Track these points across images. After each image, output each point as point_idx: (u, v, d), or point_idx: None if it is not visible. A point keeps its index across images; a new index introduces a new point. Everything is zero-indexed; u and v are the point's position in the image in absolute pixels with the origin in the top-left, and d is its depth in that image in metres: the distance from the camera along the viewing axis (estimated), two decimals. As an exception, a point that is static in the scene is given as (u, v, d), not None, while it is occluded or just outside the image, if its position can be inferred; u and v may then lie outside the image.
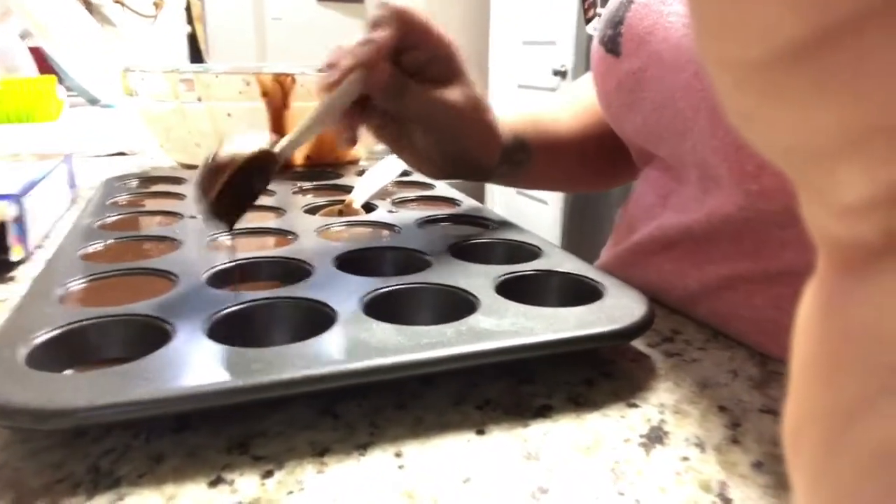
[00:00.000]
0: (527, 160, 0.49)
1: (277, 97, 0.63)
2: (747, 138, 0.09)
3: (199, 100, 0.63)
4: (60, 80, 1.23)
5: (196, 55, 2.76)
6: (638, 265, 0.43)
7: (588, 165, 0.54)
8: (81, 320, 0.29)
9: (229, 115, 0.64)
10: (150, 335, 0.29)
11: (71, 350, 0.28)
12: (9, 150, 0.74)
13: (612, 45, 0.41)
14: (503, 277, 0.35)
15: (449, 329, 0.29)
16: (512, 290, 0.34)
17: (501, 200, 3.28)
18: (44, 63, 1.23)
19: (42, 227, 0.49)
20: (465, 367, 0.28)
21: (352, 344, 0.27)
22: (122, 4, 2.47)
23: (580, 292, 0.35)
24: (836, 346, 0.09)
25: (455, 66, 0.43)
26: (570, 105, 0.54)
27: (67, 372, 0.27)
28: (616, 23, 0.41)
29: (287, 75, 0.64)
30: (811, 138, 0.08)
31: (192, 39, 2.74)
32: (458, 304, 0.33)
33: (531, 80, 2.83)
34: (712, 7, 0.08)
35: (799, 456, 0.09)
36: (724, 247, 0.37)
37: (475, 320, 0.30)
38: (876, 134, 0.07)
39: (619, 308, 0.32)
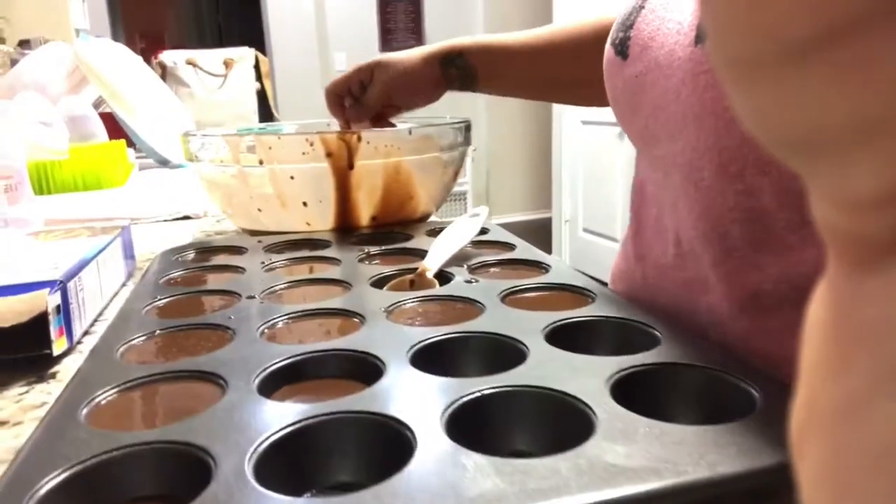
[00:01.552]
0: (475, 78, 0.66)
1: (342, 157, 0.59)
2: (757, 136, 0.09)
3: (261, 163, 0.60)
4: (131, 144, 1.25)
5: (265, 111, 2.83)
6: (650, 295, 0.45)
7: (540, 73, 0.66)
8: (99, 455, 0.24)
9: (292, 177, 0.60)
10: (186, 468, 0.24)
11: (91, 492, 0.23)
12: (73, 218, 0.73)
13: (622, 48, 0.43)
14: (620, 376, 0.28)
15: (563, 464, 0.22)
16: (632, 393, 0.27)
17: (567, 243, 3.18)
18: (115, 128, 1.25)
19: (92, 310, 0.45)
20: (590, 524, 0.20)
21: (439, 492, 0.21)
22: (195, 66, 2.57)
23: (721, 394, 0.27)
24: (846, 343, 0.09)
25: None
26: (529, 32, 0.66)
27: (80, 531, 0.22)
28: (627, 27, 0.43)
29: (353, 133, 0.59)
30: (823, 134, 0.08)
31: (262, 96, 2.81)
32: (569, 419, 0.26)
33: (594, 115, 2.77)
34: (723, 5, 0.08)
35: (805, 452, 0.09)
36: (715, 270, 0.38)
37: (596, 449, 0.23)
38: (888, 129, 0.07)
39: (779, 421, 0.24)
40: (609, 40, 0.46)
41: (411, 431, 0.24)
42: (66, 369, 0.38)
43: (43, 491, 0.22)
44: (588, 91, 0.63)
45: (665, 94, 0.39)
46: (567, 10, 2.92)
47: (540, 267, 0.47)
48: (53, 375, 0.38)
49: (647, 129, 0.42)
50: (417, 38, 3.63)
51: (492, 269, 0.48)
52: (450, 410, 0.26)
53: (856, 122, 0.07)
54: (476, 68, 0.66)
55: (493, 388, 0.28)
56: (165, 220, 0.84)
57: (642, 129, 0.43)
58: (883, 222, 0.08)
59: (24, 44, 2.11)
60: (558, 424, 0.26)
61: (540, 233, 3.51)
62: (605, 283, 0.44)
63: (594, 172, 2.90)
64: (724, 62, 0.08)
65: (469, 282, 0.44)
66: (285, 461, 0.25)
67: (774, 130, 0.08)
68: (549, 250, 3.32)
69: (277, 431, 0.25)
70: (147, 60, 1.83)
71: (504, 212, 4.11)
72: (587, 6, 2.67)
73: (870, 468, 0.08)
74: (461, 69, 0.66)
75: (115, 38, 3.40)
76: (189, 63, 2.52)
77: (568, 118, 3.07)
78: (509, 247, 0.53)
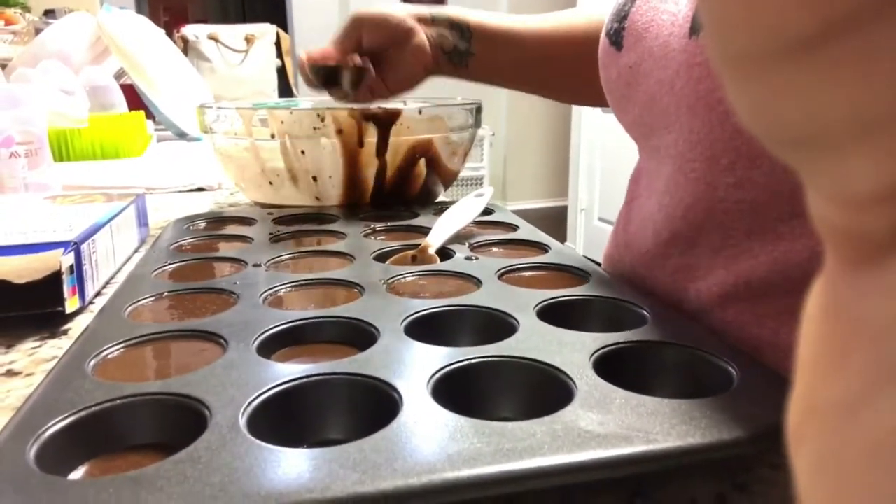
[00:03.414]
0: (467, 31, 0.61)
1: (353, 134, 0.59)
2: (754, 132, 0.09)
3: (273, 137, 0.61)
4: (150, 116, 1.26)
5: (285, 88, 2.84)
6: (640, 280, 0.45)
7: (534, 57, 0.62)
8: (102, 402, 0.25)
9: (303, 152, 0.61)
10: (183, 419, 0.25)
11: (91, 437, 0.24)
12: (89, 186, 0.75)
13: (616, 38, 0.44)
14: (604, 351, 0.29)
15: (539, 428, 0.23)
16: (616, 367, 0.28)
17: (582, 232, 3.18)
18: (135, 99, 1.27)
19: (105, 272, 0.47)
20: (560, 484, 0.21)
21: (418, 447, 0.22)
22: (217, 41, 2.58)
23: (702, 373, 0.28)
24: (844, 339, 0.09)
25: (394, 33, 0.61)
26: (538, 18, 0.62)
27: (81, 469, 0.23)
28: (622, 17, 0.43)
29: (364, 109, 0.60)
30: (821, 130, 0.08)
31: (282, 73, 2.82)
32: (551, 388, 0.27)
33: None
34: (721, 1, 0.08)
35: (803, 448, 0.09)
36: (705, 259, 0.39)
37: (572, 415, 0.24)
38: (885, 124, 0.07)
39: (756, 400, 0.25)
40: (604, 31, 0.46)
41: (398, 393, 0.26)
42: (78, 327, 0.40)
43: (47, 434, 0.23)
44: (580, 85, 0.63)
45: (659, 84, 0.39)
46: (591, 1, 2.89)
47: (540, 247, 0.48)
48: (65, 332, 0.39)
49: (642, 119, 0.42)
50: (439, 19, 3.62)
51: (493, 248, 0.49)
52: (437, 376, 0.27)
53: (853, 119, 0.07)
54: (469, 26, 0.61)
55: (481, 357, 0.29)
56: (180, 191, 0.85)
57: (637, 119, 0.43)
58: (881, 219, 0.08)
59: (49, 13, 2.14)
60: (541, 394, 0.27)
61: (555, 220, 3.50)
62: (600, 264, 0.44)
63: (611, 162, 2.88)
64: (722, 58, 0.08)
65: (469, 259, 0.45)
66: (278, 417, 0.26)
67: (772, 127, 0.08)
68: (563, 238, 3.31)
69: (272, 388, 0.26)
70: (170, 34, 1.85)
71: (520, 198, 4.10)
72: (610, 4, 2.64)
73: (867, 464, 0.08)
74: (455, 26, 0.61)
75: (140, 10, 3.42)
76: (211, 38, 2.53)
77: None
78: (512, 227, 0.54)
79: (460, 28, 0.61)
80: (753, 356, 0.30)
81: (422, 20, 0.61)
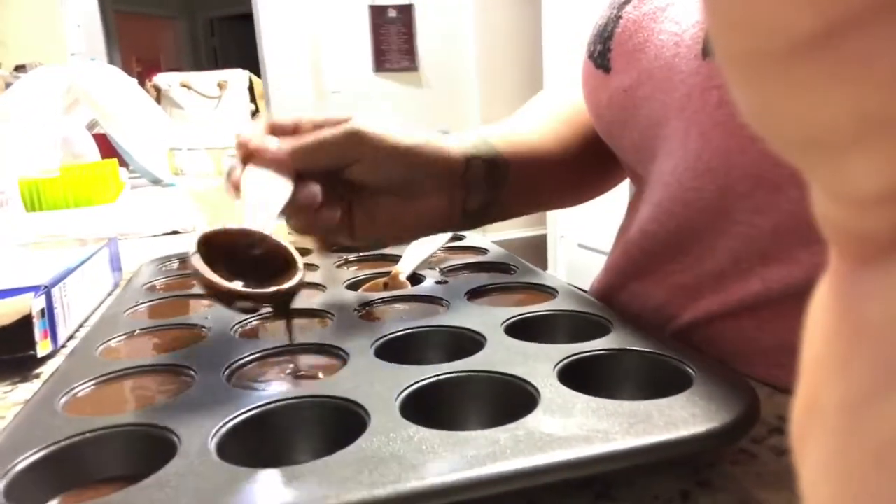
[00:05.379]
0: (504, 178, 0.45)
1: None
2: (759, 132, 0.09)
3: (243, 174, 0.61)
4: (124, 163, 1.27)
5: (260, 131, 2.86)
6: (624, 298, 0.44)
7: (572, 176, 0.52)
8: (71, 437, 0.25)
9: (273, 188, 0.61)
10: (152, 449, 0.25)
11: (61, 471, 0.24)
12: (62, 234, 0.75)
13: (602, 60, 0.41)
14: (568, 360, 0.30)
15: (503, 435, 0.23)
16: (579, 375, 0.29)
17: (563, 259, 3.20)
18: (108, 148, 1.27)
19: (77, 316, 0.47)
20: (524, 487, 0.22)
21: (384, 460, 0.22)
22: (189, 88, 2.60)
23: (663, 377, 0.29)
24: (848, 340, 0.09)
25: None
26: (543, 120, 0.51)
27: None
28: (605, 38, 0.41)
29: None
30: (825, 130, 0.08)
31: (255, 116, 2.85)
32: (516, 398, 0.27)
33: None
34: (725, 1, 0.08)
35: (806, 449, 0.09)
36: (707, 281, 0.37)
37: (535, 422, 0.24)
38: (887, 125, 0.07)
39: (714, 398, 0.26)
40: (587, 53, 0.44)
41: (366, 411, 0.26)
42: (50, 370, 0.40)
43: (17, 470, 0.24)
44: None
45: (664, 108, 0.37)
46: (557, 28, 2.98)
47: (508, 268, 0.49)
48: (37, 376, 0.39)
49: (643, 143, 0.40)
50: (411, 59, 3.68)
51: (463, 272, 0.49)
52: (405, 394, 0.28)
53: (856, 119, 0.07)
54: (507, 160, 0.45)
55: (449, 373, 0.29)
56: (154, 236, 0.86)
57: (634, 144, 0.41)
58: (882, 220, 0.08)
59: (20, 68, 2.15)
60: (508, 405, 0.28)
61: (536, 249, 3.53)
62: (572, 286, 0.45)
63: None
64: (727, 58, 0.08)
65: (439, 283, 0.45)
66: (249, 442, 0.26)
67: (776, 127, 0.08)
68: (544, 266, 3.33)
69: (240, 414, 0.26)
70: (142, 83, 1.86)
71: (500, 228, 4.13)
72: (576, 30, 2.72)
73: (871, 467, 0.08)
74: (492, 170, 0.44)
75: (112, 61, 3.44)
76: (183, 86, 2.56)
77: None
78: (481, 251, 0.55)
79: (495, 173, 0.44)
80: (706, 355, 0.31)
81: (456, 148, 0.43)
